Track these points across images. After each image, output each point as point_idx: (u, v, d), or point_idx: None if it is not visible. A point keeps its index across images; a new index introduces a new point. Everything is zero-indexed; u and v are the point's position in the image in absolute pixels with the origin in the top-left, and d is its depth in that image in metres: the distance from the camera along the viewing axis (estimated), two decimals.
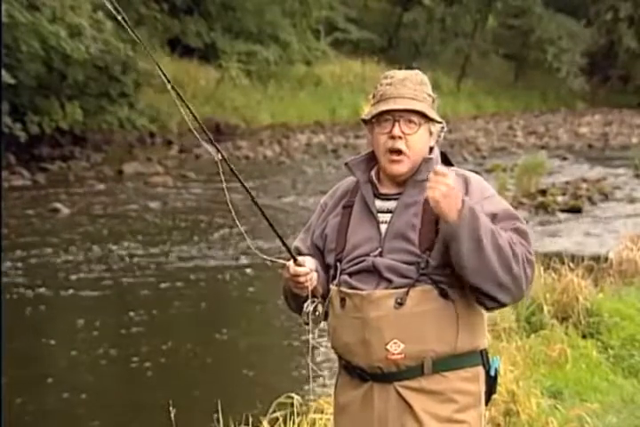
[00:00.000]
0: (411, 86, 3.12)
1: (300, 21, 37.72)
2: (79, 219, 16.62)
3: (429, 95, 3.16)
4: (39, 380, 8.75)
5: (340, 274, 3.15)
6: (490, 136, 32.89)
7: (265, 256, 3.23)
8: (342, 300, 3.12)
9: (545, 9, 48.38)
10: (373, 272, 3.08)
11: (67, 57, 21.77)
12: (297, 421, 4.99)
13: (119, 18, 2.96)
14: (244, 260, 13.41)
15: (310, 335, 3.13)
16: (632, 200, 19.22)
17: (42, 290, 11.69)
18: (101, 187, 20.19)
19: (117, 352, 9.61)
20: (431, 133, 3.16)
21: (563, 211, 17.57)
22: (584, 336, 7.41)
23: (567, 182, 20.99)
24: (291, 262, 3.11)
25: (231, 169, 3.07)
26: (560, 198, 18.57)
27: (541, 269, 7.85)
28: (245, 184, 3.09)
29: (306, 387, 3.82)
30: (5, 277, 12.12)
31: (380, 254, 3.09)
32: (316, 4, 38.32)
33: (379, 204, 3.17)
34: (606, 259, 9.65)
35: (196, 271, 12.83)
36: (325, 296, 3.18)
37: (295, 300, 3.21)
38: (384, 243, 3.11)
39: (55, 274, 12.52)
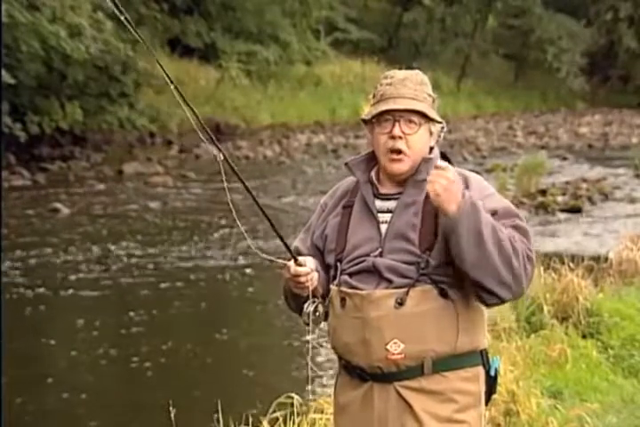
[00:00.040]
0: (411, 86, 3.12)
1: (300, 21, 37.72)
2: (79, 219, 16.62)
3: (430, 95, 3.16)
4: (39, 380, 8.75)
5: (341, 274, 3.15)
6: (490, 136, 32.89)
7: (266, 256, 3.23)
8: (342, 300, 3.12)
9: (545, 9, 48.39)
10: (374, 272, 3.09)
11: (67, 57, 21.77)
12: (297, 421, 4.99)
13: (122, 18, 2.96)
14: (243, 260, 13.41)
15: (310, 335, 3.13)
16: (632, 200, 19.22)
17: (42, 290, 11.70)
18: (101, 187, 20.20)
19: (117, 352, 9.61)
20: (431, 133, 3.16)
21: (563, 211, 17.57)
22: (584, 336, 7.41)
23: (567, 182, 20.99)
24: (291, 262, 3.11)
25: (233, 169, 3.07)
26: (560, 198, 18.57)
27: (541, 269, 7.84)
28: (246, 184, 3.09)
29: (306, 387, 3.82)
30: (5, 277, 12.12)
31: (381, 254, 3.09)
32: (316, 4, 38.32)
33: (379, 204, 3.17)
34: (606, 259, 9.65)
35: (196, 271, 12.83)
36: (326, 296, 3.18)
37: (295, 300, 3.21)
38: (384, 243, 3.11)
39: (55, 274, 12.52)
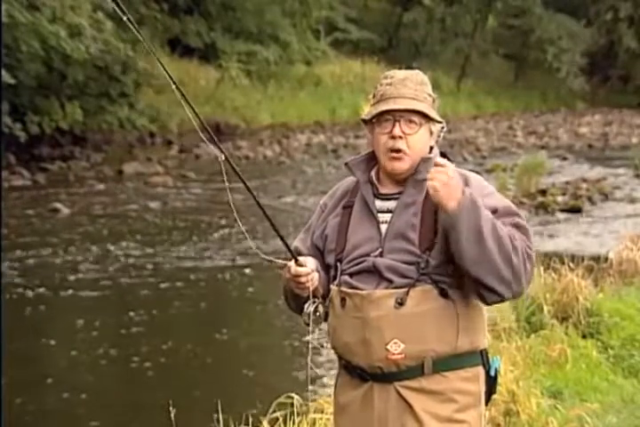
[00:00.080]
0: (411, 86, 3.12)
1: (300, 21, 37.72)
2: (79, 219, 16.62)
3: (430, 95, 3.16)
4: (39, 380, 8.75)
5: (341, 274, 3.15)
6: (490, 136, 32.89)
7: (266, 256, 3.23)
8: (342, 300, 3.12)
9: (545, 9, 48.39)
10: (374, 272, 3.09)
11: (67, 57, 21.77)
12: (297, 421, 4.99)
13: (124, 19, 2.97)
14: (243, 260, 13.41)
15: (310, 336, 3.13)
16: (632, 200, 19.22)
17: (42, 290, 11.70)
18: (101, 187, 20.20)
19: (117, 352, 9.61)
20: (431, 133, 3.17)
21: (563, 211, 17.57)
22: (584, 336, 7.41)
23: (567, 182, 20.99)
24: (292, 263, 3.11)
25: (234, 170, 3.07)
26: (560, 198, 18.57)
27: (541, 269, 7.84)
28: (247, 184, 3.09)
29: (306, 387, 3.81)
30: (5, 277, 12.12)
31: (381, 254, 3.09)
32: (316, 4, 38.32)
33: (378, 204, 3.17)
34: (606, 259, 9.65)
35: (196, 271, 12.83)
36: (326, 297, 3.18)
37: (296, 300, 3.20)
38: (384, 243, 3.11)
39: (55, 274, 12.52)
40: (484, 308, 3.17)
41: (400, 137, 3.10)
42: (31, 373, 8.98)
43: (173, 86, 3.02)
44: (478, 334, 3.14)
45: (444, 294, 3.06)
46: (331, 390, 3.41)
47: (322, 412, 5.09)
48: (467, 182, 3.09)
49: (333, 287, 3.16)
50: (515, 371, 5.87)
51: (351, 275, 3.13)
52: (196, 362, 9.38)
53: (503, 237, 2.96)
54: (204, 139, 3.11)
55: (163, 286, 12.03)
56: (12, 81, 19.98)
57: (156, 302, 11.40)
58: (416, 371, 3.05)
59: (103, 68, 23.74)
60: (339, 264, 3.17)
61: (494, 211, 3.04)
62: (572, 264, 8.24)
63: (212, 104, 29.78)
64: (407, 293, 3.04)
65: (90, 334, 10.17)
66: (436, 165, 2.96)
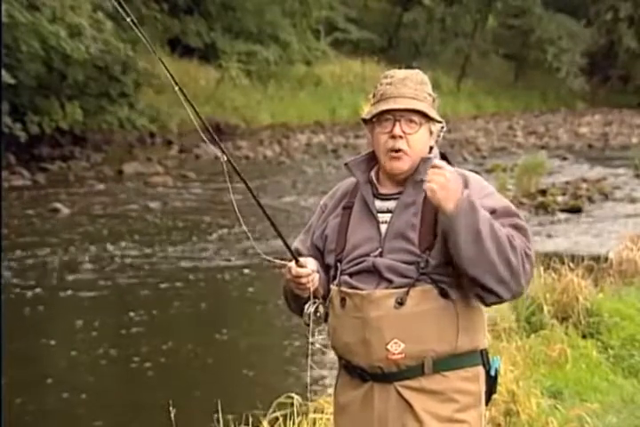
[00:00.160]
0: (411, 86, 3.12)
1: (300, 21, 37.72)
2: (79, 219, 16.63)
3: (430, 95, 3.16)
4: (39, 380, 8.75)
5: (341, 274, 3.15)
6: (490, 136, 32.90)
7: (267, 257, 3.23)
8: (342, 300, 3.12)
9: (545, 9, 48.39)
10: (374, 272, 3.09)
11: (67, 57, 21.77)
12: (297, 421, 4.99)
13: (128, 20, 2.97)
14: (243, 260, 13.41)
15: (310, 336, 3.13)
16: (632, 200, 19.22)
17: (42, 290, 11.70)
18: (101, 187, 20.20)
19: (117, 352, 9.62)
20: (431, 133, 3.17)
21: (563, 211, 17.58)
22: (584, 336, 7.41)
23: (567, 182, 21.00)
24: (292, 263, 3.10)
25: (236, 170, 3.07)
26: (560, 198, 18.58)
27: (541, 269, 7.84)
28: (249, 185, 3.09)
29: (306, 387, 3.81)
30: (5, 277, 12.12)
31: (381, 254, 3.09)
32: (316, 4, 38.32)
33: (378, 204, 3.17)
34: (606, 259, 9.65)
35: (196, 271, 12.83)
36: (326, 297, 3.18)
37: (296, 301, 3.20)
38: (384, 243, 3.11)
39: (55, 274, 12.52)
40: (484, 308, 3.17)
41: (400, 137, 3.10)
42: (31, 373, 8.99)
43: (176, 87, 3.03)
44: (478, 334, 3.14)
45: (443, 293, 3.06)
46: (331, 390, 3.41)
47: (322, 412, 5.09)
48: (466, 182, 3.09)
49: (333, 287, 3.16)
50: (515, 371, 5.87)
51: (351, 275, 3.13)
52: (196, 362, 9.38)
53: (501, 238, 2.95)
54: (206, 139, 3.11)
55: (162, 285, 12.03)
56: (11, 81, 19.98)
57: (156, 302, 11.40)
58: (416, 371, 3.05)
59: (103, 68, 23.74)
60: (338, 264, 3.17)
61: (493, 211, 3.04)
62: (572, 264, 8.23)
63: (212, 104, 29.78)
64: (407, 292, 3.04)
65: (90, 334, 10.17)
66: (434, 166, 2.96)
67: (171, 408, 4.68)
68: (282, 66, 35.59)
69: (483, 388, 3.14)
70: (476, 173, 3.28)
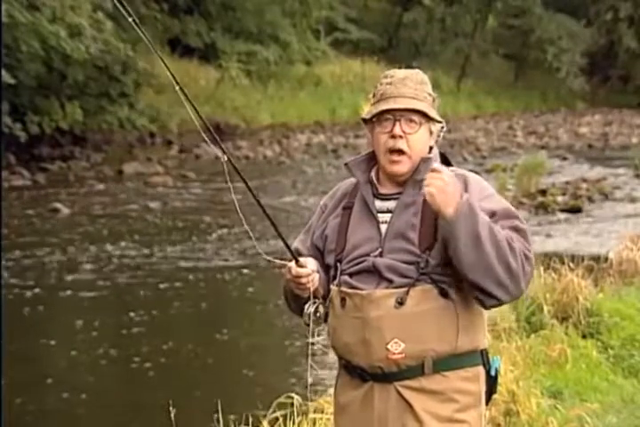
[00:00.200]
0: (411, 85, 3.12)
1: (300, 21, 37.72)
2: (79, 219, 16.63)
3: (430, 94, 3.15)
4: (39, 380, 8.75)
5: (341, 274, 3.15)
6: (490, 136, 32.90)
7: (267, 257, 3.23)
8: (342, 300, 3.12)
9: (545, 9, 48.39)
10: (374, 272, 3.08)
11: (67, 57, 21.78)
12: (297, 421, 4.99)
13: (130, 20, 2.97)
14: (243, 260, 13.41)
15: (310, 336, 3.13)
16: (632, 200, 19.23)
17: (42, 290, 11.70)
18: (101, 187, 20.20)
19: (117, 352, 9.62)
20: (431, 133, 3.16)
21: (563, 211, 17.58)
22: (584, 336, 7.41)
23: (567, 182, 21.00)
24: (292, 263, 3.10)
25: (237, 170, 3.07)
26: (560, 198, 18.58)
27: (541, 269, 7.84)
28: (249, 185, 3.09)
29: (306, 387, 3.81)
30: (5, 277, 12.12)
31: (381, 254, 3.09)
32: (316, 4, 38.32)
33: (378, 204, 3.17)
34: (606, 259, 9.65)
35: (196, 271, 12.83)
36: (326, 297, 3.18)
37: (296, 301, 3.20)
38: (384, 243, 3.11)
39: (55, 274, 12.52)
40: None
41: (400, 136, 3.09)
42: (31, 373, 8.99)
43: (177, 87, 3.03)
44: (478, 334, 3.14)
45: (443, 293, 3.05)
46: (331, 390, 3.41)
47: (322, 412, 5.09)
48: (466, 183, 3.09)
49: (333, 287, 3.16)
50: (515, 371, 5.87)
51: (351, 275, 3.13)
52: (196, 362, 9.38)
53: (501, 242, 2.95)
54: (207, 139, 3.11)
55: (162, 285, 12.03)
56: (12, 81, 19.98)
57: (156, 302, 11.40)
58: (416, 371, 3.05)
59: (103, 68, 23.74)
60: (338, 264, 3.16)
61: (493, 213, 3.04)
62: (572, 264, 8.23)
63: (212, 104, 29.78)
64: (407, 292, 3.03)
65: (90, 334, 10.18)
66: (433, 170, 2.96)
67: (171, 408, 4.68)
68: (282, 66, 35.59)
69: (483, 388, 3.14)
70: (476, 173, 3.28)
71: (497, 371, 3.18)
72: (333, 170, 23.48)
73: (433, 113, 3.13)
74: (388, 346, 3.03)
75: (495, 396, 3.29)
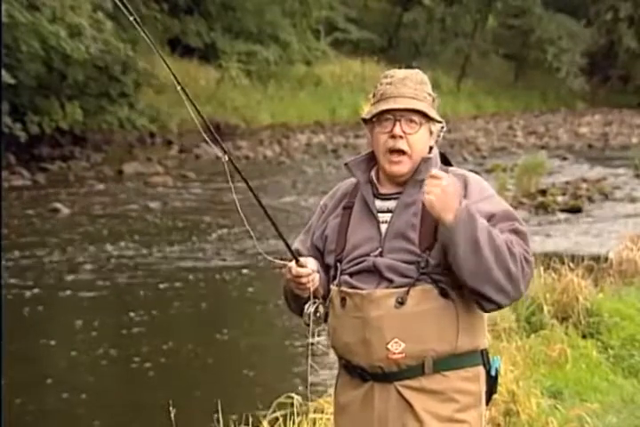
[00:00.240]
0: (411, 85, 3.12)
1: (300, 21, 37.73)
2: (79, 219, 16.63)
3: (429, 94, 3.15)
4: (39, 380, 8.75)
5: (341, 274, 3.15)
6: (490, 136, 32.90)
7: (268, 257, 3.23)
8: (343, 299, 3.11)
9: (545, 9, 48.40)
10: (374, 272, 3.08)
11: (67, 57, 21.78)
12: (297, 421, 4.99)
13: (131, 19, 2.98)
14: (243, 260, 13.41)
15: (310, 336, 3.13)
16: (632, 200, 19.23)
17: (42, 290, 11.69)
18: (101, 187, 20.20)
19: (117, 352, 9.61)
20: (431, 133, 3.16)
21: (563, 211, 17.58)
22: (584, 336, 7.41)
23: (567, 182, 21.00)
24: (293, 263, 3.10)
25: (237, 170, 3.07)
26: (560, 198, 18.58)
27: (541, 269, 7.84)
28: (250, 185, 3.09)
29: (306, 387, 3.81)
30: (5, 277, 12.12)
31: (381, 254, 3.09)
32: (316, 4, 38.32)
33: (378, 204, 3.17)
34: (606, 259, 9.65)
35: (196, 271, 12.83)
36: (326, 297, 3.18)
37: (296, 301, 3.20)
38: (384, 243, 3.11)
39: (55, 274, 12.52)
40: None
41: (400, 136, 3.09)
42: (31, 373, 8.99)
43: (178, 87, 3.03)
44: (478, 334, 3.14)
45: (444, 293, 3.05)
46: (331, 390, 3.41)
47: (322, 412, 5.08)
48: (466, 183, 3.10)
49: (333, 287, 3.16)
50: (515, 371, 5.87)
51: (351, 275, 3.13)
52: (196, 362, 9.38)
53: (500, 247, 2.95)
54: (208, 139, 3.11)
55: (162, 286, 12.03)
56: (12, 81, 19.98)
57: (156, 302, 11.40)
58: (416, 370, 3.05)
59: (103, 68, 23.75)
60: (338, 264, 3.16)
61: (492, 215, 3.04)
62: (572, 264, 8.23)
63: (212, 104, 29.78)
64: (407, 292, 3.03)
65: (90, 334, 10.17)
66: (432, 177, 2.95)
67: (171, 408, 4.68)
68: (282, 66, 35.60)
69: (483, 388, 3.14)
70: (476, 173, 3.28)
71: (497, 371, 3.18)
72: (333, 170, 23.48)
73: (433, 113, 3.13)
74: (389, 346, 3.03)
75: (495, 396, 3.29)
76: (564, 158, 26.45)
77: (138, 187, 20.40)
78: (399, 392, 3.06)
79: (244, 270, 12.81)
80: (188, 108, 3.05)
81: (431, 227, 3.05)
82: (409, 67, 3.33)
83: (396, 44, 46.32)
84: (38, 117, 22.21)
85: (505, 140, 31.91)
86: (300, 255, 3.17)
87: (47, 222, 16.21)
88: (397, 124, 3.09)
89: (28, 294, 11.52)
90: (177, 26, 32.93)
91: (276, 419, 5.05)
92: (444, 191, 2.92)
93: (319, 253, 3.24)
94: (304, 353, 8.79)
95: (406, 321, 3.03)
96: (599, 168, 24.29)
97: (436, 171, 3.00)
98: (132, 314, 10.73)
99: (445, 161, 3.22)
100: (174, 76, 3.05)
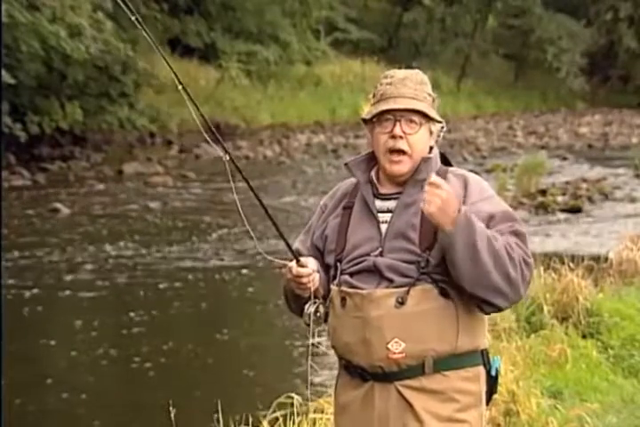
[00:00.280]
0: (411, 86, 3.12)
1: (300, 21, 37.72)
2: (79, 219, 16.63)
3: (429, 95, 3.16)
4: (39, 380, 8.75)
5: (341, 274, 3.15)
6: (490, 136, 32.90)
7: (269, 257, 3.23)
8: (343, 299, 3.12)
9: (545, 9, 48.40)
10: (374, 272, 3.08)
11: (67, 57, 21.78)
12: (297, 421, 4.99)
13: (133, 19, 2.98)
14: (243, 260, 13.41)
15: (310, 336, 3.13)
16: (632, 200, 19.23)
17: (42, 290, 11.69)
18: (101, 187, 20.20)
19: (117, 352, 9.61)
20: (431, 133, 3.16)
21: (563, 211, 17.58)
22: (584, 336, 7.41)
23: (567, 182, 21.00)
24: (293, 263, 3.10)
25: (238, 170, 3.07)
26: (560, 198, 18.58)
27: (541, 269, 7.84)
28: (251, 184, 3.09)
29: (306, 387, 3.81)
30: (5, 278, 12.12)
31: (381, 254, 3.09)
32: (316, 4, 38.32)
33: (379, 203, 3.17)
34: (606, 259, 9.65)
35: (196, 271, 12.83)
36: (326, 297, 3.18)
37: (296, 301, 3.20)
38: (384, 242, 3.11)
39: (55, 274, 12.52)
40: None
41: (400, 137, 3.10)
42: (31, 373, 8.99)
43: (180, 87, 3.03)
44: (478, 334, 3.14)
45: (444, 293, 3.06)
46: (331, 390, 3.41)
47: (322, 412, 5.08)
48: (466, 184, 3.10)
49: (333, 287, 3.16)
50: (515, 371, 5.87)
51: (351, 274, 3.13)
52: (196, 362, 9.38)
53: (499, 251, 2.96)
54: (209, 139, 3.11)
55: (162, 285, 12.03)
56: (12, 81, 19.98)
57: (156, 302, 11.40)
58: (417, 370, 3.05)
59: (103, 68, 23.75)
60: (338, 264, 3.16)
61: (492, 216, 3.05)
62: (572, 264, 8.23)
63: (211, 104, 29.77)
64: (407, 292, 3.03)
65: (90, 334, 10.17)
66: (431, 184, 2.94)
67: (171, 408, 4.68)
68: (282, 66, 35.60)
69: (483, 388, 3.14)
70: (476, 173, 3.28)
71: (497, 371, 3.18)
72: (333, 170, 23.48)
73: (433, 113, 3.13)
74: (389, 346, 3.03)
75: (495, 396, 3.29)
76: (564, 158, 26.45)
77: (138, 187, 20.40)
78: (399, 392, 3.06)
79: (244, 270, 12.81)
80: (188, 108, 3.05)
81: (431, 227, 3.05)
82: (409, 67, 3.33)
83: (395, 44, 46.32)
84: (38, 117, 22.21)
85: (505, 140, 31.91)
86: (301, 255, 3.17)
87: (47, 222, 16.21)
88: (397, 124, 3.09)
89: (27, 294, 11.52)
90: (177, 26, 32.93)
91: (276, 419, 5.05)
92: (443, 203, 2.92)
93: (319, 253, 3.25)
94: (304, 353, 8.79)
95: (406, 321, 3.03)
96: (599, 168, 24.29)
97: (435, 178, 2.98)
98: (131, 314, 10.73)
99: (445, 161, 3.22)
100: (175, 75, 3.05)
